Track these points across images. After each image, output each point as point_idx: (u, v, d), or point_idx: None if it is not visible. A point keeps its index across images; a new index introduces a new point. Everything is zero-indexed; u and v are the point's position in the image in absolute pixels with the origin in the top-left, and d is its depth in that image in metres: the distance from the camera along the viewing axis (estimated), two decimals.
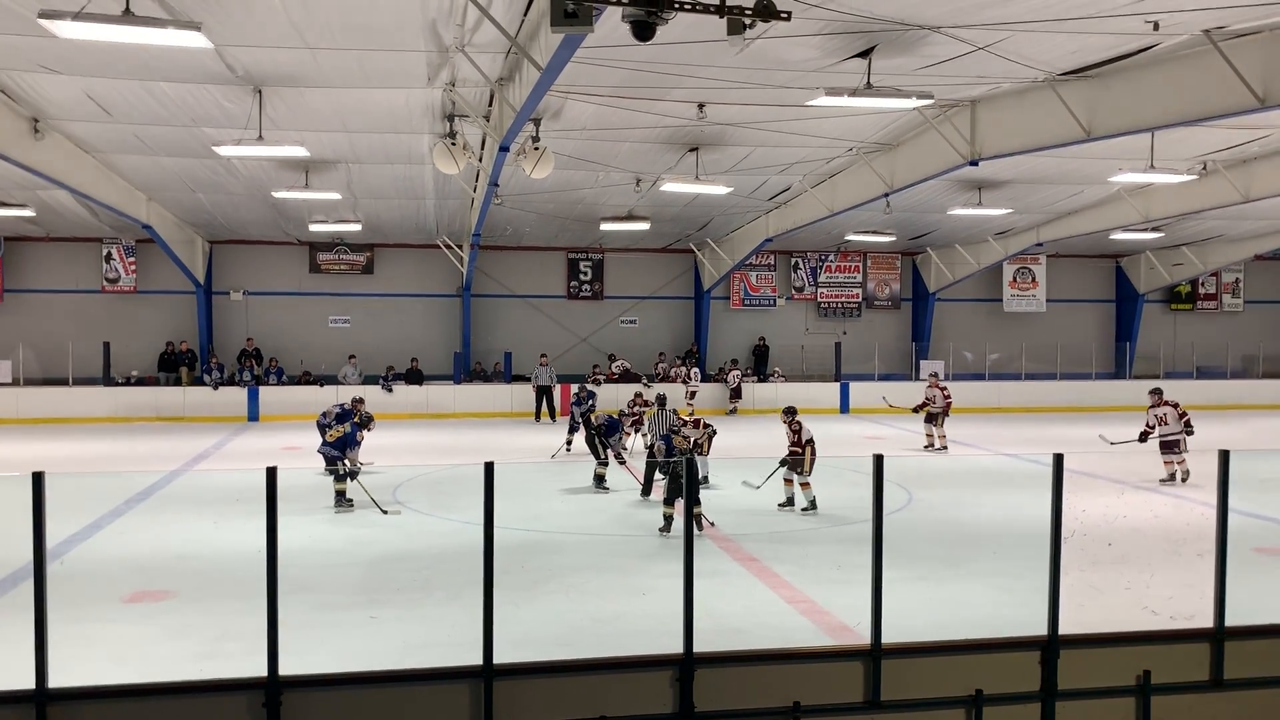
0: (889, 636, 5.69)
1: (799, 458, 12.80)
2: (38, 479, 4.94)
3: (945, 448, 18.98)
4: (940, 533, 11.83)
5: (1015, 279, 30.47)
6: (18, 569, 9.50)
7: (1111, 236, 25.83)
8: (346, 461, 12.91)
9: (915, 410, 19.29)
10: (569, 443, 18.21)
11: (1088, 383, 28.92)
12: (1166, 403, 15.39)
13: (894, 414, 25.72)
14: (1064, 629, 5.83)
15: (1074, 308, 31.26)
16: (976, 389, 28.00)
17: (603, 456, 14.57)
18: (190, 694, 5.15)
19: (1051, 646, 5.80)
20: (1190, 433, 15.07)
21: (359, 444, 13.35)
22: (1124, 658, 5.92)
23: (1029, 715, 5.79)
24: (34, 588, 5.01)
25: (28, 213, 21.70)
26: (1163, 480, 15.05)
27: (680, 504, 11.38)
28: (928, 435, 19.37)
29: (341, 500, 12.74)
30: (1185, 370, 30.56)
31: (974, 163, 15.34)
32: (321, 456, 13.66)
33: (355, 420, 13.70)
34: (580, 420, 17.12)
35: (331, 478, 13.05)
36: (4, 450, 18.98)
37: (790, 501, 12.95)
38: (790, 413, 13.42)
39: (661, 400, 15.01)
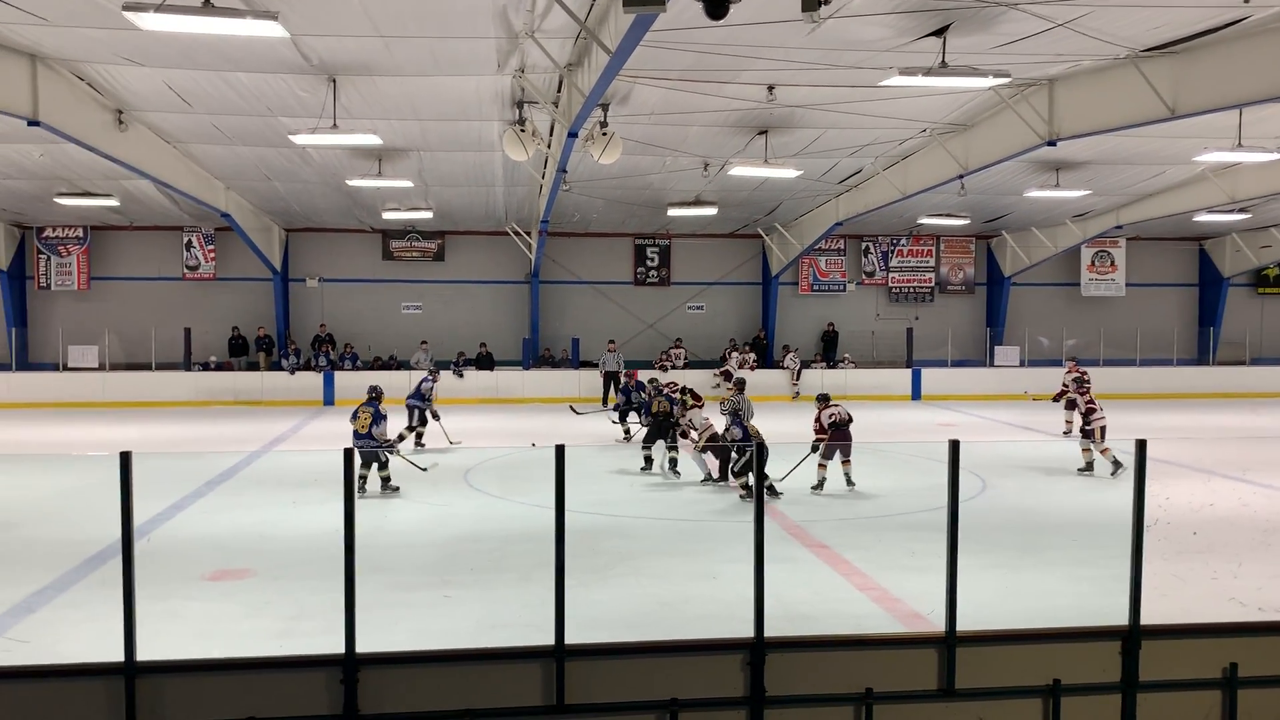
0: (963, 625, 5.60)
1: (824, 442, 13.23)
2: (125, 459, 5.08)
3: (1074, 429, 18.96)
4: (1016, 520, 11.61)
5: (1094, 262, 29.70)
6: (106, 546, 9.84)
7: (1195, 218, 25.02)
8: (385, 446, 12.93)
9: (1055, 399, 19.12)
10: (626, 431, 18.14)
11: (1169, 369, 28.11)
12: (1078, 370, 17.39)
13: (970, 401, 25.30)
14: (1146, 619, 5.68)
15: (1155, 292, 30.36)
16: (1052, 375, 27.36)
17: (672, 441, 14.59)
18: (271, 669, 5.27)
19: (1133, 637, 5.65)
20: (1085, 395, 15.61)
21: (385, 419, 13.09)
22: (1209, 650, 5.75)
23: (1108, 706, 5.66)
24: (123, 565, 5.17)
25: (113, 202, 22.38)
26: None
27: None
28: (1067, 422, 19.23)
29: (363, 485, 12.55)
30: (1273, 356, 29.56)
31: (1052, 143, 14.98)
32: (360, 451, 12.76)
33: (380, 407, 13.23)
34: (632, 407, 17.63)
35: (374, 467, 12.78)
36: (91, 432, 19.66)
37: (821, 485, 13.22)
38: (823, 400, 13.66)
39: (740, 384, 14.92)
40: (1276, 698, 5.78)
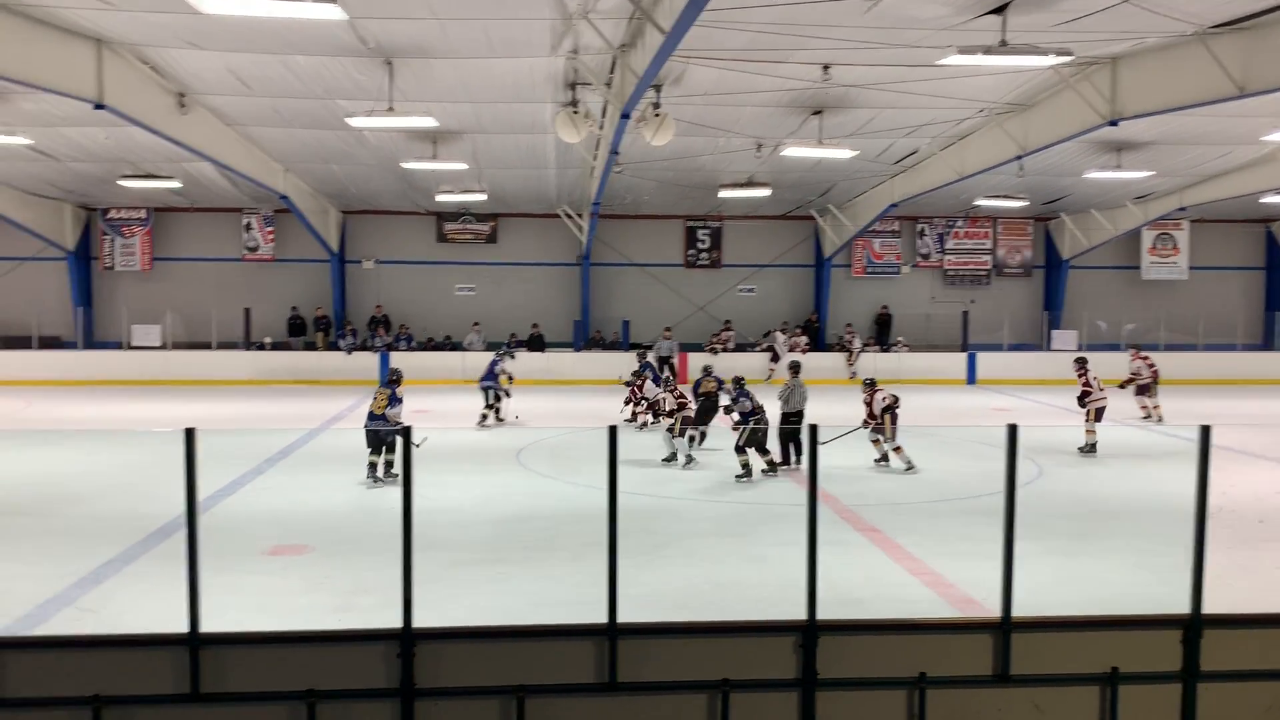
0: (1019, 611, 5.53)
1: (879, 425, 13.57)
2: (190, 435, 5.18)
3: (1161, 419, 18.90)
4: (1073, 506, 11.45)
5: (1155, 245, 29.03)
6: (169, 520, 10.10)
7: (1262, 200, 24.35)
8: (397, 425, 12.49)
9: (1123, 385, 18.95)
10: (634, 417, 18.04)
11: (1233, 354, 27.45)
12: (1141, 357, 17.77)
13: (1026, 385, 24.93)
14: (1208, 608, 5.57)
15: (1219, 275, 29.60)
16: (1111, 360, 26.87)
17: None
18: (330, 642, 5.37)
19: (1194, 625, 5.54)
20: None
21: (400, 402, 12.96)
22: (1274, 640, 5.62)
23: (1168, 696, 5.56)
24: (187, 538, 5.28)
25: (174, 184, 22.82)
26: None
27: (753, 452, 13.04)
28: (1142, 407, 19.35)
29: (374, 472, 12.35)
30: None
31: (1114, 123, 14.66)
32: (371, 434, 12.66)
33: (397, 390, 13.14)
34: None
35: (383, 451, 12.50)
36: (155, 409, 20.12)
37: (885, 459, 13.65)
38: (869, 385, 13.98)
39: (795, 367, 14.78)
40: None
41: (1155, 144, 19.75)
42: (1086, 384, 15.21)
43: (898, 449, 13.52)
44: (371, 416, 12.78)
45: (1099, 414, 14.97)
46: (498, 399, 17.93)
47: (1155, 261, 29.17)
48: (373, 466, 12.42)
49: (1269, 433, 17.16)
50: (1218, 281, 29.56)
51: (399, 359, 25.38)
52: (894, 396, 13.76)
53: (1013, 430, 5.50)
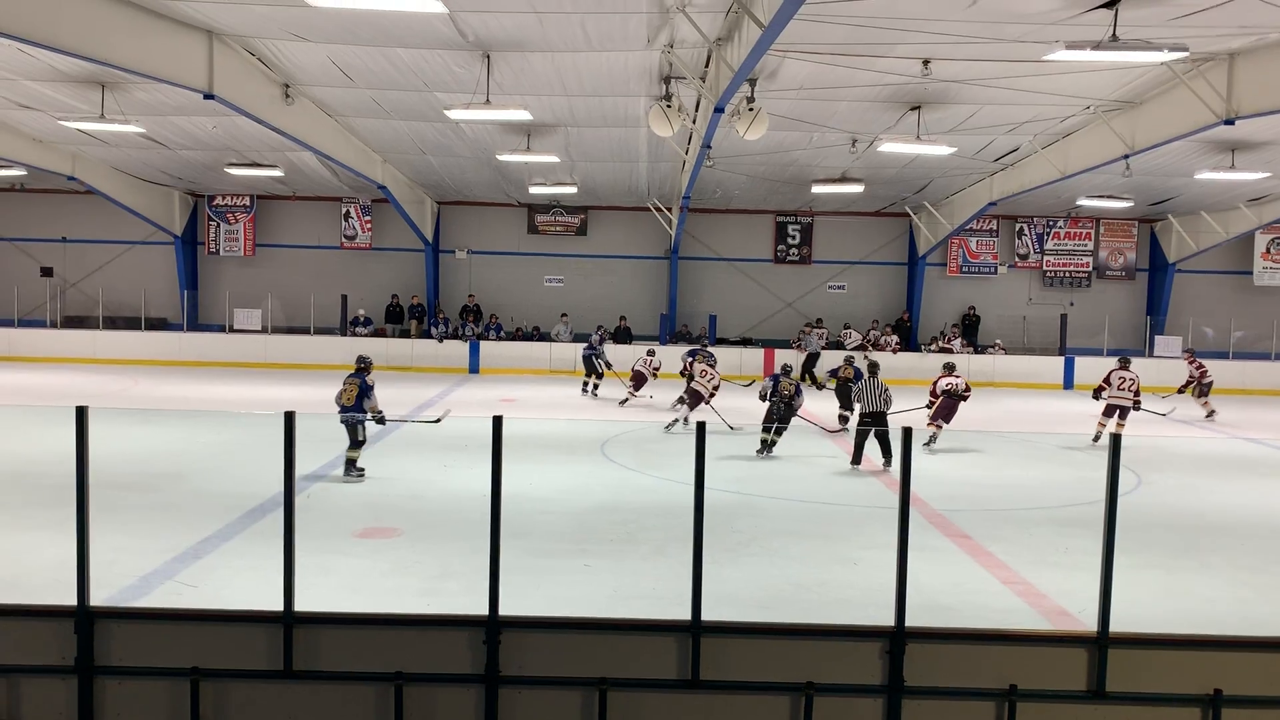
0: (1116, 626, 5.36)
1: (932, 403, 15.04)
2: (289, 418, 5.33)
3: (1212, 412, 19.73)
4: (1173, 519, 11.04)
5: (1269, 250, 27.79)
6: (266, 500, 10.40)
7: None
8: (376, 418, 12.24)
9: (1180, 391, 19.72)
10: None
11: None
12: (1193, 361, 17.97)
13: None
14: None
15: None
16: (1218, 368, 25.81)
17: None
18: (419, 626, 5.47)
19: None
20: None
21: (372, 390, 12.33)
22: None
23: None
24: (284, 519, 5.43)
25: (277, 173, 23.48)
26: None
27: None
28: (1203, 405, 20.21)
29: (352, 469, 12.01)
30: None
31: (1230, 121, 14.04)
32: (346, 425, 12.15)
33: (367, 378, 12.50)
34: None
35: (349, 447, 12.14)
36: (255, 391, 20.76)
37: (933, 439, 14.78)
38: (947, 368, 15.54)
39: (873, 367, 14.58)
40: None
41: (1273, 144, 18.88)
42: (1106, 382, 16.28)
43: (938, 427, 14.80)
44: (343, 408, 12.16)
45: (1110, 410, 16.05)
46: (599, 376, 21.36)
47: (1269, 267, 27.94)
48: (351, 463, 12.03)
49: None
50: None
51: (489, 348, 25.82)
52: (964, 386, 15.04)
53: (1115, 440, 5.33)
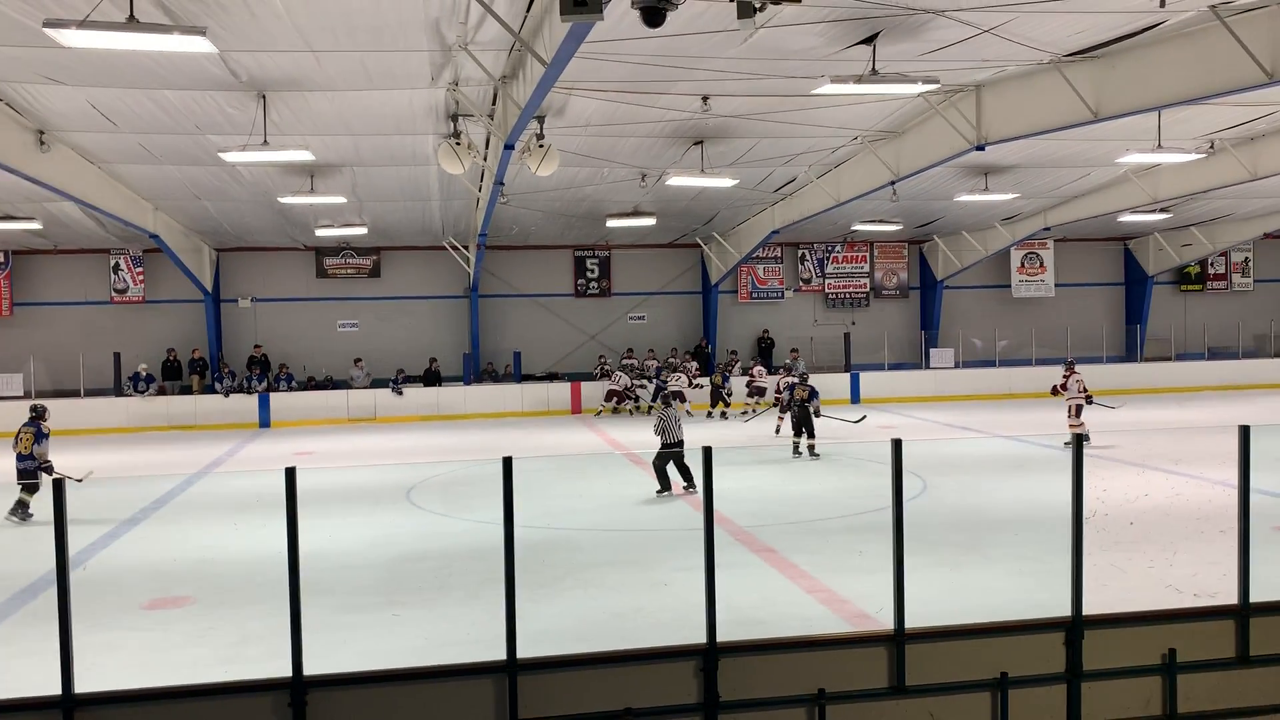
0: (911, 622, 5.66)
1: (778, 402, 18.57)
2: (59, 486, 4.93)
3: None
4: (957, 518, 11.79)
5: (1023, 264, 30.36)
6: (38, 579, 9.55)
7: (1119, 219, 25.73)
8: (43, 466, 12.78)
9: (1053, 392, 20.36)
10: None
11: (1099, 366, 28.75)
12: (1076, 373, 17.87)
13: (907, 403, 25.64)
14: (1088, 610, 5.79)
15: (1083, 291, 31.14)
16: (987, 376, 27.97)
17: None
18: (217, 695, 5.14)
19: (1076, 627, 5.75)
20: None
21: (46, 438, 13.04)
22: (1149, 637, 5.87)
23: (1054, 697, 5.75)
24: (58, 594, 4.99)
25: (35, 225, 21.78)
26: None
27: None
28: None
29: (24, 511, 12.48)
30: (1197, 351, 30.45)
31: (980, 147, 15.28)
32: (21, 472, 12.85)
33: (42, 426, 13.21)
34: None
35: (21, 489, 12.73)
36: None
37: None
38: (787, 368, 18.22)
39: (675, 397, 14.80)
40: (1213, 681, 5.93)
41: (1020, 167, 20.70)
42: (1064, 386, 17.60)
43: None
44: (19, 457, 12.84)
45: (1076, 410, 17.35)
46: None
47: (1024, 280, 30.51)
48: (24, 505, 12.53)
49: (1134, 439, 18.04)
50: (1082, 297, 31.08)
51: (280, 400, 24.72)
52: (802, 386, 17.35)
53: (897, 445, 5.64)
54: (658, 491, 13.50)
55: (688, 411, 23.44)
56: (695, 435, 20.21)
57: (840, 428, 18.28)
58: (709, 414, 24.45)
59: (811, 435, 16.79)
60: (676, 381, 23.84)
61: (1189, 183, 21.02)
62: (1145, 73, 12.76)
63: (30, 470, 12.74)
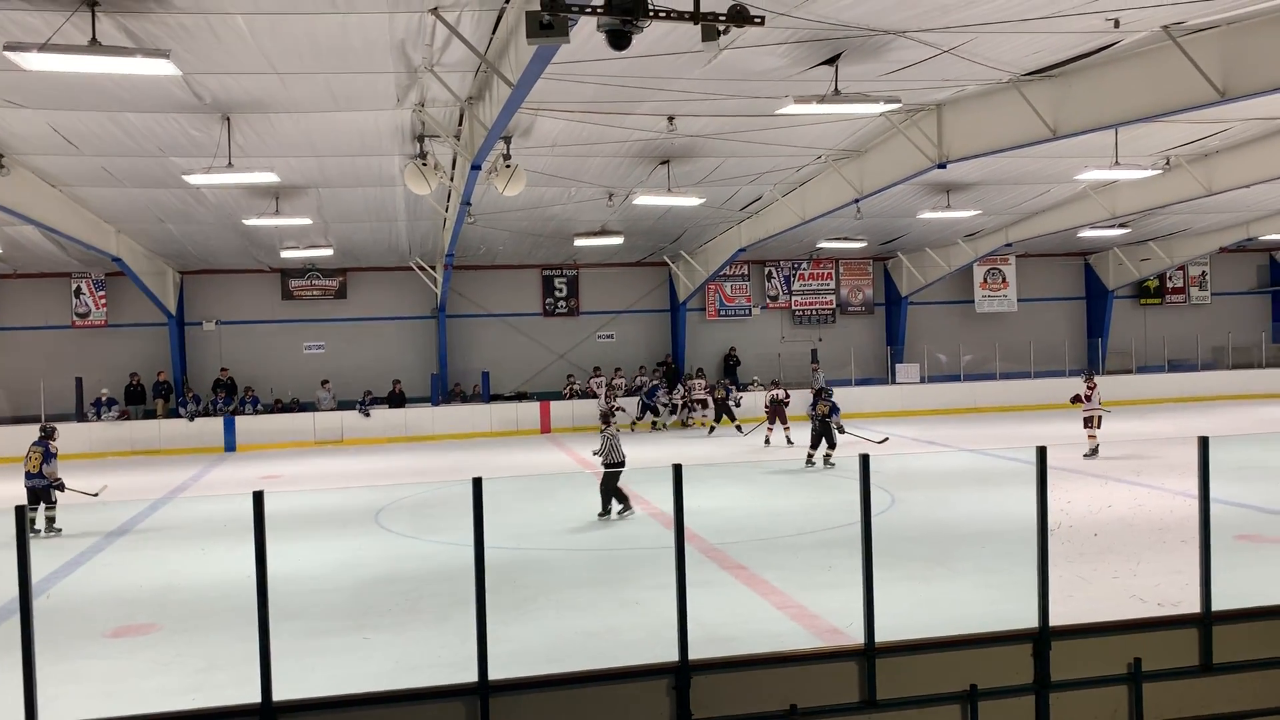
0: (881, 637, 5.71)
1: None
2: (20, 513, 4.88)
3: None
4: (926, 532, 11.88)
5: (986, 280, 30.72)
6: None
7: (1079, 234, 26.13)
8: (55, 484, 13.18)
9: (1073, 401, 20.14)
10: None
11: (1061, 380, 29.04)
12: (1096, 385, 18.35)
13: (874, 418, 25.81)
14: (1054, 620, 5.87)
15: (1045, 306, 31.54)
16: (952, 390, 28.23)
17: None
18: None
19: (1043, 638, 5.83)
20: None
21: (54, 457, 13.37)
22: (1114, 646, 5.97)
23: (1023, 707, 5.82)
24: (20, 624, 4.93)
25: None
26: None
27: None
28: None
29: (49, 526, 13.18)
30: (1157, 364, 30.89)
31: (942, 165, 15.49)
32: (31, 490, 13.18)
33: (50, 446, 13.44)
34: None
35: (41, 507, 13.17)
36: None
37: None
38: (774, 383, 20.07)
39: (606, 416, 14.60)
40: (1178, 689, 6.02)
41: (981, 184, 20.99)
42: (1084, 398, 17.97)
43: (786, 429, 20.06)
44: (28, 475, 13.17)
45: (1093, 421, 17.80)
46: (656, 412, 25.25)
47: (986, 295, 30.86)
48: (32, 520, 12.74)
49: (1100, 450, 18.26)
50: (1044, 312, 31.47)
51: (246, 423, 24.45)
52: (784, 394, 19.68)
53: (865, 460, 5.71)
54: (618, 513, 13.25)
55: (702, 421, 25.60)
56: (698, 451, 20.39)
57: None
58: (711, 429, 24.59)
59: (832, 446, 17.12)
60: (702, 389, 25.77)
61: (1146, 198, 21.40)
62: (1102, 91, 13.00)
63: (41, 488, 13.10)
